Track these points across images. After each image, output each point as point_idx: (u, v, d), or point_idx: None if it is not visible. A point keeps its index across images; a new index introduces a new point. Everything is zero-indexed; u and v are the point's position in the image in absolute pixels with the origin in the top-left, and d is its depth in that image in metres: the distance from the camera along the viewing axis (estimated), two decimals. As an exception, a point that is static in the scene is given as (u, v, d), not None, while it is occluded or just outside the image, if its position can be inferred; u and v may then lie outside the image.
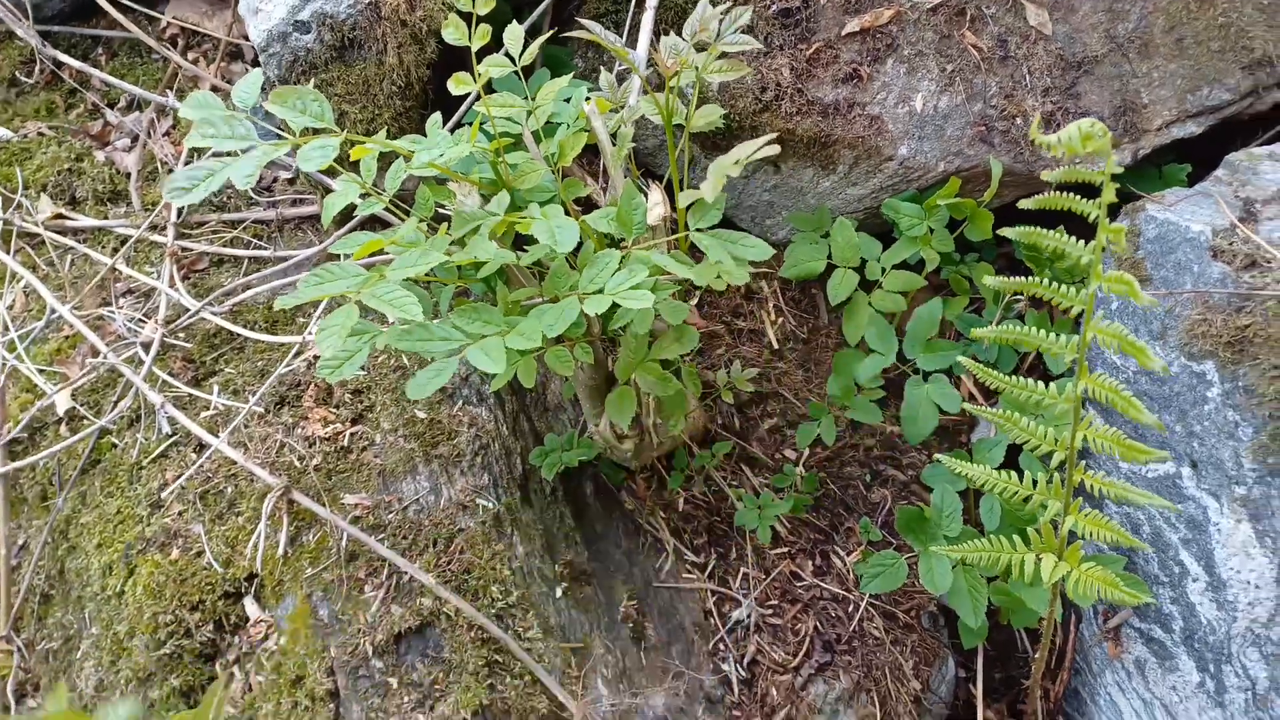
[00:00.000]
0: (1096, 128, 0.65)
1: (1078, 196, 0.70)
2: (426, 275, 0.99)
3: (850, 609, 1.18)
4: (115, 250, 1.22)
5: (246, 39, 1.45)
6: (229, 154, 0.79)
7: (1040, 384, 0.77)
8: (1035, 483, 0.86)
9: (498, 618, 0.97)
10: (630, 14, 1.26)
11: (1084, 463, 0.82)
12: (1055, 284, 0.73)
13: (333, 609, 0.97)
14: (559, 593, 1.05)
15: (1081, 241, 0.72)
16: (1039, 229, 0.73)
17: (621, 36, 1.30)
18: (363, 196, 0.93)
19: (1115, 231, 0.67)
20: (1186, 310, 1.09)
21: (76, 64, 1.30)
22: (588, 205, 1.13)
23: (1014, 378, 0.77)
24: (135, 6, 1.32)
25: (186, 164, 1.28)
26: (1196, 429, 1.08)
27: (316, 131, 0.82)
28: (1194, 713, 1.08)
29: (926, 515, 1.03)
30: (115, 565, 1.05)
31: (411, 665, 0.94)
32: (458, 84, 0.92)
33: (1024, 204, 0.72)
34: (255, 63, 1.46)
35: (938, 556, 0.97)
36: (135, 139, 1.33)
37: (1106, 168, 0.66)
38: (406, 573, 0.97)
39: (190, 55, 1.43)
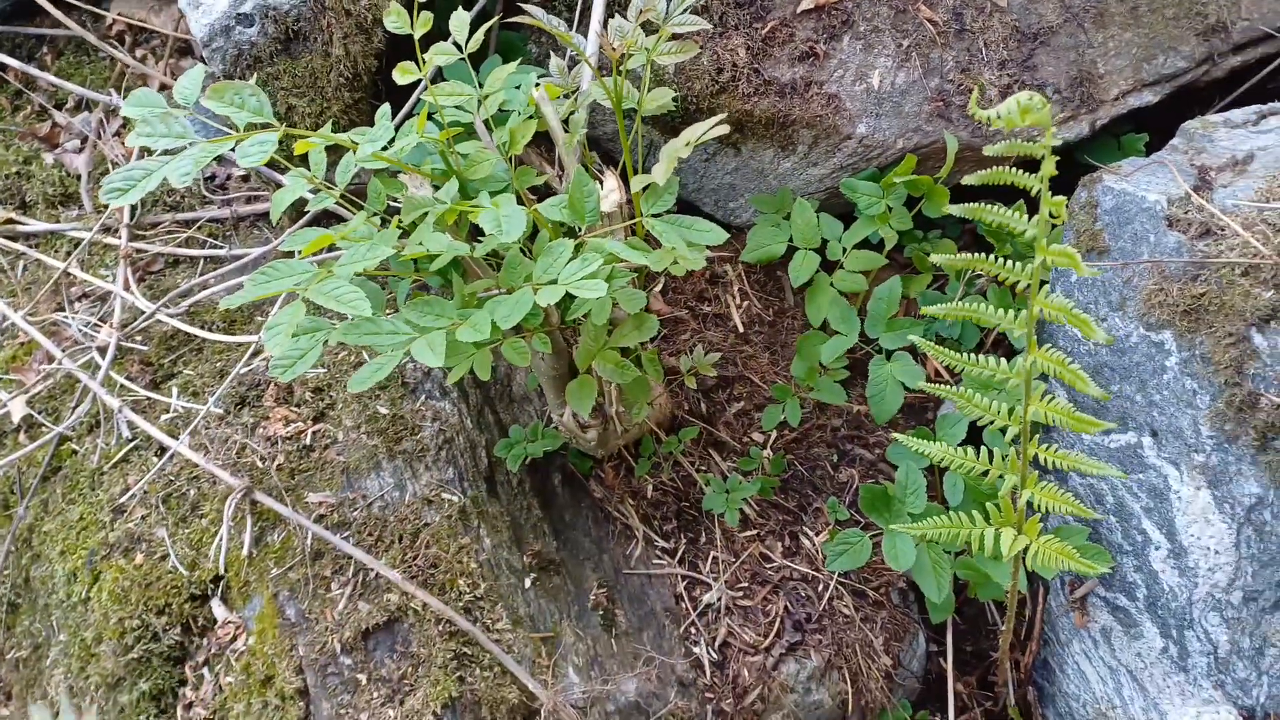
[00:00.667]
0: (1035, 100, 0.65)
1: (1021, 171, 0.70)
2: (381, 269, 0.99)
3: (820, 588, 1.19)
4: (68, 254, 1.20)
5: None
6: (168, 153, 0.78)
7: (992, 360, 0.77)
8: (993, 457, 0.87)
9: (466, 610, 0.97)
10: (583, -3, 1.25)
11: (1038, 436, 0.83)
12: (1004, 261, 0.73)
13: (300, 608, 0.97)
14: (528, 583, 1.05)
15: (1026, 216, 0.72)
16: (983, 205, 0.73)
17: (574, 19, 1.28)
18: (313, 192, 0.91)
19: (1057, 204, 0.67)
20: (1144, 281, 1.09)
21: (20, 65, 1.28)
22: (547, 194, 1.12)
23: (967, 355, 0.77)
24: (80, 4, 1.29)
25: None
26: (1156, 398, 1.09)
27: (257, 126, 0.80)
28: (1158, 678, 1.10)
29: (890, 493, 1.03)
30: (80, 571, 1.04)
31: (380, 661, 0.94)
32: (403, 73, 0.91)
33: (968, 179, 0.72)
34: (204, 59, 1.44)
35: (901, 534, 0.97)
36: (85, 140, 1.30)
37: (1046, 140, 0.66)
38: (373, 569, 0.96)
39: (138, 52, 1.40)
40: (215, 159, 0.87)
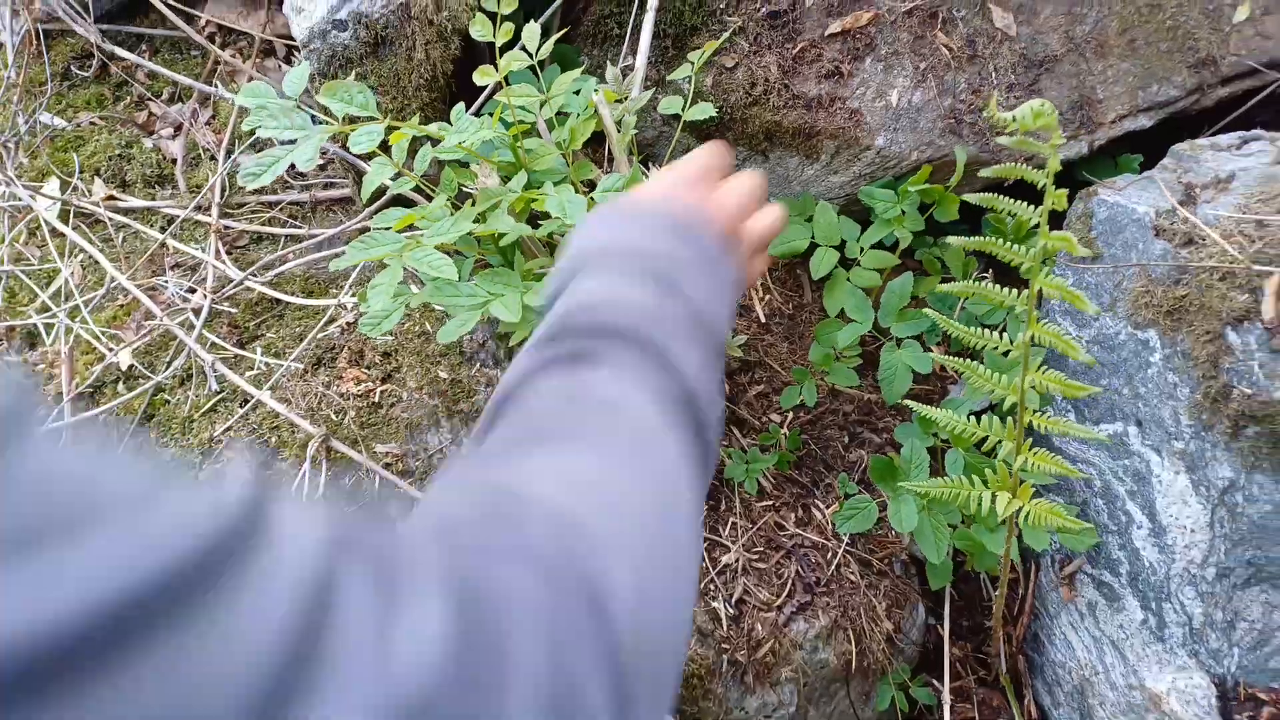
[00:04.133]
0: (1046, 107, 0.77)
1: (1028, 166, 0.82)
2: (451, 246, 1.12)
3: (829, 556, 1.30)
4: (164, 229, 1.34)
5: (279, 37, 1.57)
6: (284, 142, 0.91)
7: (992, 332, 0.89)
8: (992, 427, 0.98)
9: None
10: (633, 15, 1.38)
11: (1033, 407, 0.94)
12: (1009, 244, 0.84)
13: (366, 543, 1.09)
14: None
15: (1032, 206, 0.84)
16: (995, 195, 0.85)
17: (624, 35, 1.42)
18: (394, 177, 1.05)
19: (1059, 196, 0.79)
20: (1132, 284, 1.21)
21: (131, 57, 1.42)
22: (593, 188, 1.25)
23: (970, 328, 0.89)
24: (177, 5, 1.44)
25: (227, 151, 1.40)
26: (1141, 391, 1.20)
27: (358, 119, 0.94)
28: (1138, 647, 1.20)
29: (896, 464, 1.15)
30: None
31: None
32: (483, 75, 1.04)
33: (984, 173, 0.84)
34: (287, 59, 1.59)
35: (905, 498, 1.09)
36: (178, 128, 1.45)
37: (1053, 140, 0.77)
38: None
39: (227, 51, 1.55)
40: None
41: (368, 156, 1.16)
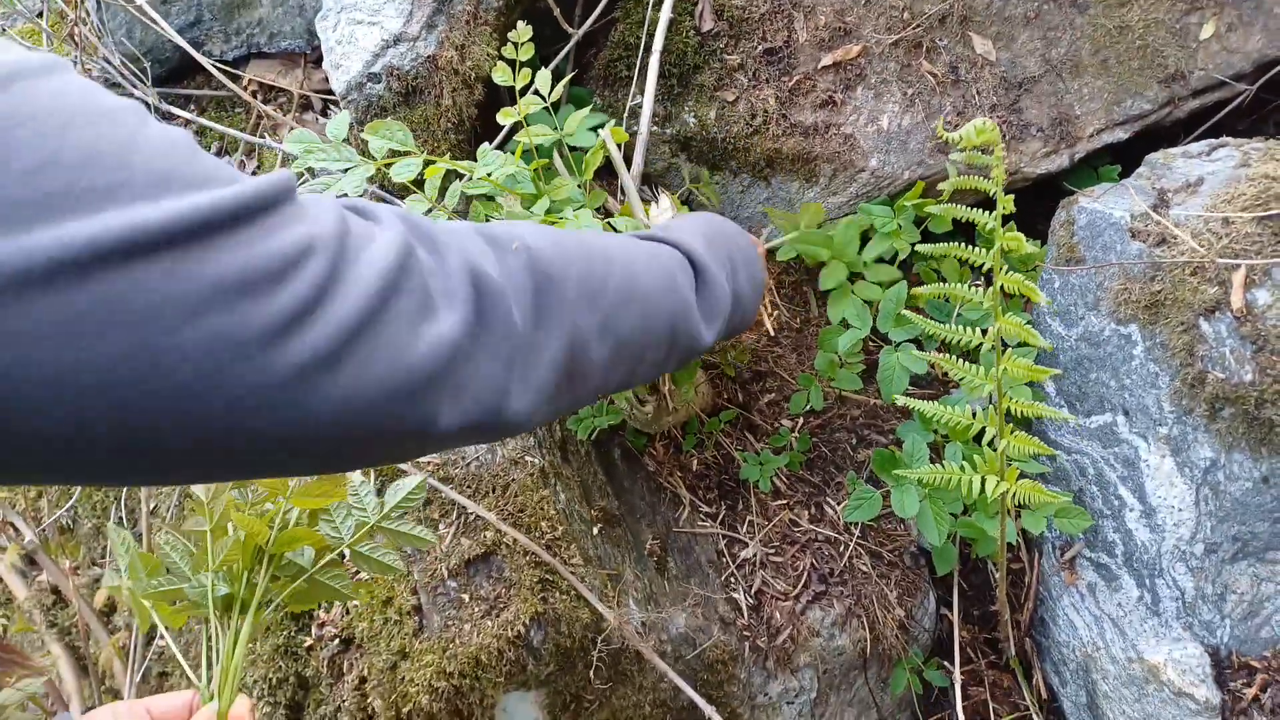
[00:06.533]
0: (987, 124, 0.87)
1: (982, 178, 0.92)
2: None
3: (841, 549, 1.38)
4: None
5: (315, 92, 1.71)
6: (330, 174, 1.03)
7: (966, 328, 0.99)
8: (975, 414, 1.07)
9: (546, 547, 1.19)
10: (639, 58, 1.51)
11: (1009, 393, 1.03)
12: (972, 247, 0.94)
13: (412, 544, 1.19)
14: (595, 531, 1.26)
15: (988, 213, 0.94)
16: (954, 205, 0.95)
17: (633, 77, 1.54)
18: (428, 211, 1.17)
19: (1006, 201, 0.89)
20: (1113, 282, 1.30)
21: (185, 114, 1.57)
22: (607, 216, 1.36)
23: (944, 325, 0.99)
24: (223, 67, 1.59)
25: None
26: (1127, 382, 1.28)
27: (397, 154, 1.06)
28: (1136, 622, 1.27)
29: (898, 457, 1.24)
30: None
31: (479, 584, 1.16)
32: (505, 116, 1.16)
33: (942, 185, 0.94)
34: (323, 112, 1.73)
35: (906, 486, 1.18)
36: (229, 177, 1.59)
37: (996, 154, 0.88)
38: (472, 513, 1.19)
39: (269, 107, 1.69)
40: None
41: (403, 195, 1.28)
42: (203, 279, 0.40)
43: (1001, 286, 0.96)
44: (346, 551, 0.80)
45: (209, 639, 0.74)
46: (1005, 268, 0.91)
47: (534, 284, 0.60)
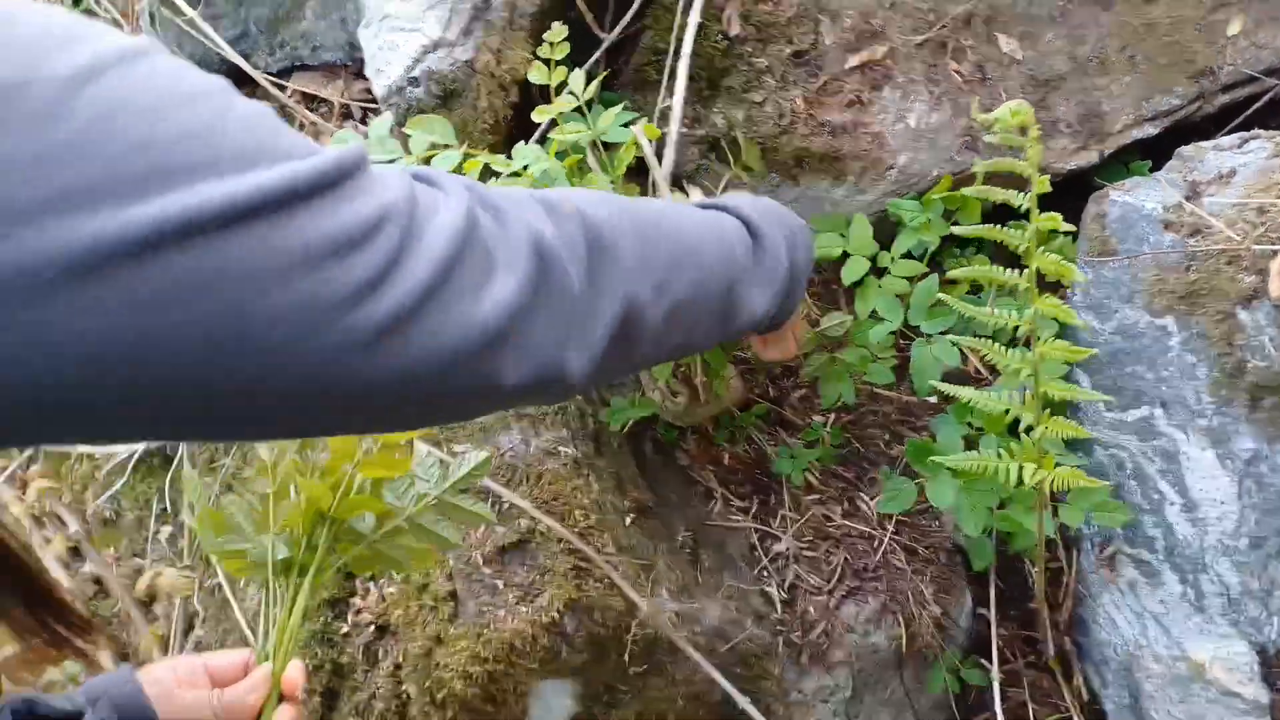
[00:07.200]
0: (1023, 105, 0.88)
1: (1016, 161, 0.93)
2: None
3: (876, 544, 1.38)
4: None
5: (356, 101, 1.76)
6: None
7: (998, 310, 0.99)
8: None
9: (580, 536, 1.19)
10: (669, 61, 1.54)
11: (1048, 377, 1.03)
12: (1007, 228, 0.95)
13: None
14: (628, 521, 1.27)
15: (1023, 194, 0.94)
16: (989, 187, 0.96)
17: (662, 80, 1.57)
18: (466, 205, 1.20)
19: (1043, 182, 0.90)
20: (1146, 274, 1.29)
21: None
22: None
23: (978, 306, 0.99)
24: (271, 79, 1.64)
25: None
26: (1164, 374, 1.27)
27: (437, 147, 1.09)
28: (1180, 619, 1.25)
29: (933, 447, 1.23)
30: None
31: (514, 571, 1.17)
32: (540, 113, 1.20)
33: (976, 168, 0.95)
34: (363, 120, 1.78)
35: (942, 476, 1.17)
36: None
37: (1031, 134, 0.88)
38: (507, 501, 1.20)
39: (312, 114, 1.74)
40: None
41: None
42: (292, 245, 0.43)
43: (1037, 269, 0.97)
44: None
45: (267, 601, 0.76)
46: (1041, 248, 0.91)
47: (588, 245, 0.62)
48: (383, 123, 1.16)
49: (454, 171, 1.09)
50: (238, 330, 0.41)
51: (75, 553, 1.47)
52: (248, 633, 0.77)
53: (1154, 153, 1.53)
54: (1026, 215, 1.16)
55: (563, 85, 1.22)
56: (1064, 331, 1.44)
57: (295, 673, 0.75)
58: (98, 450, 1.54)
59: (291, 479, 0.77)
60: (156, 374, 0.40)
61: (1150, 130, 1.47)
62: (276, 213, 0.43)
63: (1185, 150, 1.42)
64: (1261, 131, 1.37)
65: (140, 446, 1.48)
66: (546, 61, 1.19)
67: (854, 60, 1.52)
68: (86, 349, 0.37)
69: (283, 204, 0.43)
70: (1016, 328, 0.97)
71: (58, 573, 1.46)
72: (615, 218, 0.66)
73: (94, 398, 0.39)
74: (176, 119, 0.42)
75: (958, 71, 1.49)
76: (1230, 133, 1.51)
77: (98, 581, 1.45)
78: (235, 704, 0.71)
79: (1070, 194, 1.55)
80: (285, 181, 0.44)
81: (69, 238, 0.37)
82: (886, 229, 1.55)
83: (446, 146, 1.07)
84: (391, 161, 1.03)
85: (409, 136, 1.08)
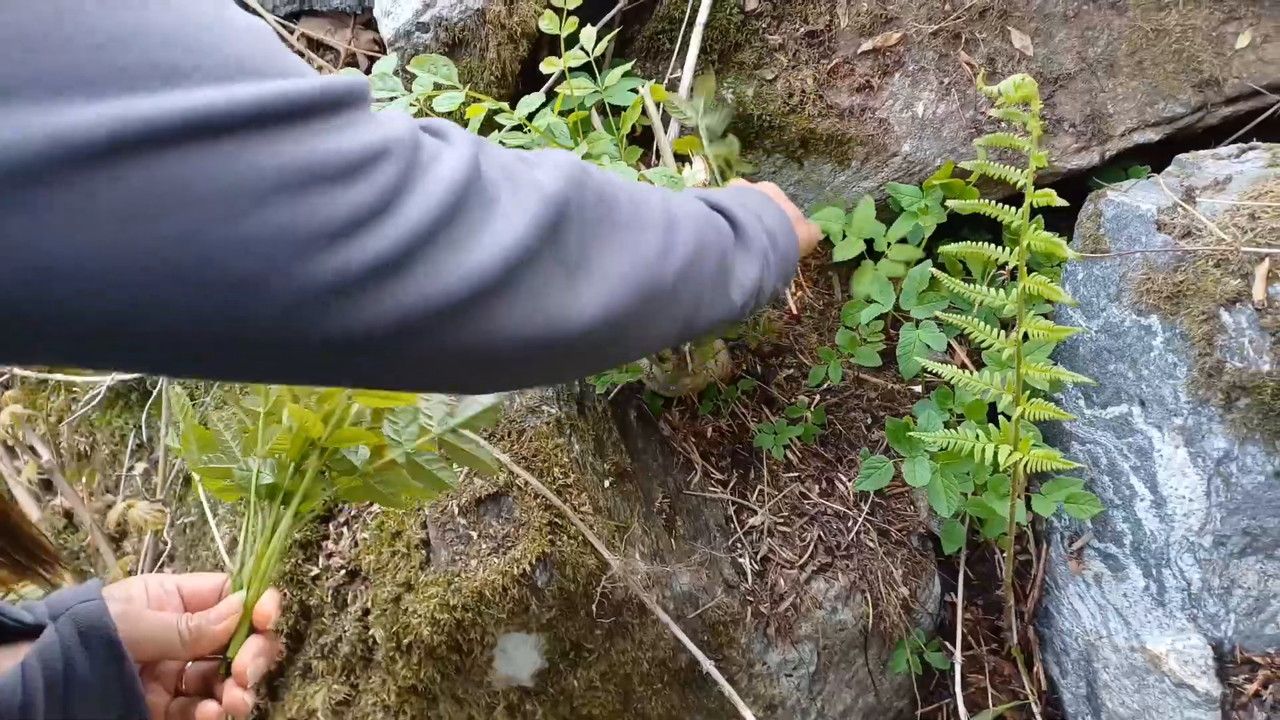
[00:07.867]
0: (1026, 79, 0.88)
1: (1015, 137, 0.94)
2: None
3: (850, 524, 1.39)
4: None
5: (361, 50, 1.75)
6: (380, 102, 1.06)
7: (988, 289, 1.00)
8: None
9: (557, 493, 1.20)
10: (682, 31, 1.54)
11: (1029, 358, 1.04)
12: (999, 205, 0.95)
13: (426, 479, 1.20)
14: (606, 484, 1.27)
15: (1019, 170, 0.95)
16: (984, 162, 0.96)
17: (674, 50, 1.57)
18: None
19: (1039, 158, 0.90)
20: (1135, 274, 1.30)
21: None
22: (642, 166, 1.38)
23: (966, 284, 1.00)
24: (280, 21, 1.63)
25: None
26: (1144, 373, 1.29)
27: (441, 88, 1.09)
28: (1140, 613, 1.27)
29: (913, 427, 1.24)
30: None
31: (489, 523, 1.17)
32: (549, 64, 1.19)
33: (977, 142, 0.96)
34: (367, 70, 1.76)
35: (919, 457, 1.18)
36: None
37: (1034, 108, 0.89)
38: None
39: (316, 64, 1.73)
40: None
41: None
42: (266, 168, 0.39)
43: (1027, 260, 0.97)
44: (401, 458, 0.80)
45: (248, 527, 0.74)
46: (1033, 227, 0.92)
47: (595, 200, 0.61)
48: (387, 62, 1.15)
49: (455, 114, 1.08)
50: (202, 257, 0.37)
51: (47, 485, 1.46)
52: (225, 559, 0.76)
53: (1153, 161, 1.55)
54: (1022, 199, 1.16)
55: (573, 38, 1.21)
56: (1052, 316, 1.45)
57: (269, 604, 0.71)
58: (76, 379, 1.52)
59: (285, 401, 0.76)
60: (116, 299, 0.36)
61: (1152, 136, 1.48)
62: (249, 131, 0.39)
63: (1184, 157, 1.43)
64: (1260, 143, 1.38)
65: (110, 378, 1.47)
66: (559, 11, 1.18)
67: (867, 44, 1.53)
68: (33, 261, 0.34)
69: (259, 123, 0.39)
70: (1004, 307, 0.98)
71: (27, 504, 1.45)
72: (611, 182, 0.65)
73: (41, 319, 0.35)
74: (160, 16, 0.38)
75: (968, 63, 1.50)
76: (1231, 144, 1.52)
77: (68, 515, 1.44)
78: (203, 630, 0.67)
79: (1069, 195, 1.56)
80: (264, 99, 0.40)
81: (18, 137, 0.33)
82: (887, 217, 1.56)
83: (451, 88, 1.07)
84: (392, 99, 1.02)
85: (412, 77, 1.07)
